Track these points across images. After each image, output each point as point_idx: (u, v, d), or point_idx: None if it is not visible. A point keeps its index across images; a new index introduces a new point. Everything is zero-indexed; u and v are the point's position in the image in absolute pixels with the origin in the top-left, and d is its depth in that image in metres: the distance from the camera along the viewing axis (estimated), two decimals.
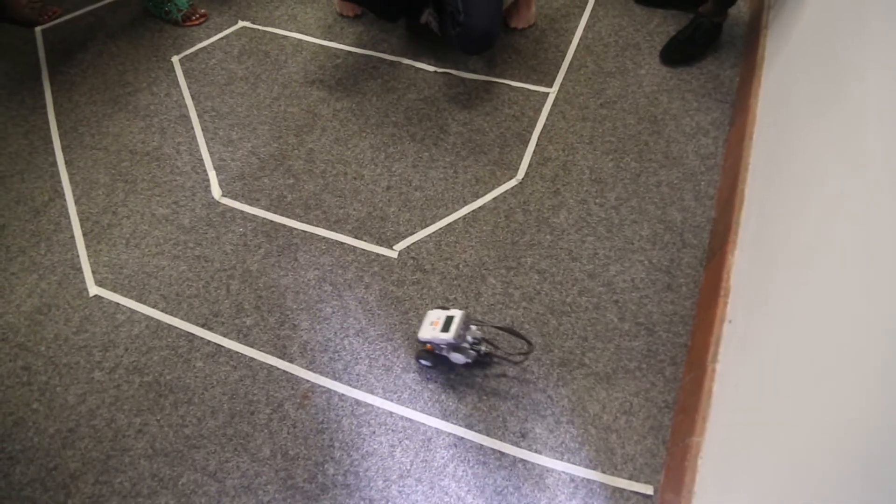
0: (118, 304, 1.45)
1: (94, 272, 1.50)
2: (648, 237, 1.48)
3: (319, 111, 1.79)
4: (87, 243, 1.56)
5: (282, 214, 1.58)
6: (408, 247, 1.50)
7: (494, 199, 1.57)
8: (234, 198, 1.62)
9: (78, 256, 1.53)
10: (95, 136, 1.77)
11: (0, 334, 1.42)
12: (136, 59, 1.97)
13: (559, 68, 1.84)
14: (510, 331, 1.26)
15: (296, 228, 1.55)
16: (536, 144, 1.67)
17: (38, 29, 2.07)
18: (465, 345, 1.24)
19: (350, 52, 1.94)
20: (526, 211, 1.54)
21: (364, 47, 1.95)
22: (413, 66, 1.88)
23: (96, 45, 2.02)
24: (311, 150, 1.70)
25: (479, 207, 1.56)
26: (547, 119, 1.72)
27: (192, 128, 1.78)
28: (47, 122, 1.81)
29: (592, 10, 1.99)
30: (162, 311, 1.43)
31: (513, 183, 1.60)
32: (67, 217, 1.61)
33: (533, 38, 1.93)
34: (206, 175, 1.67)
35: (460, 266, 1.46)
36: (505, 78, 1.83)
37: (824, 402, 0.73)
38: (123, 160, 1.72)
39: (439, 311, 1.27)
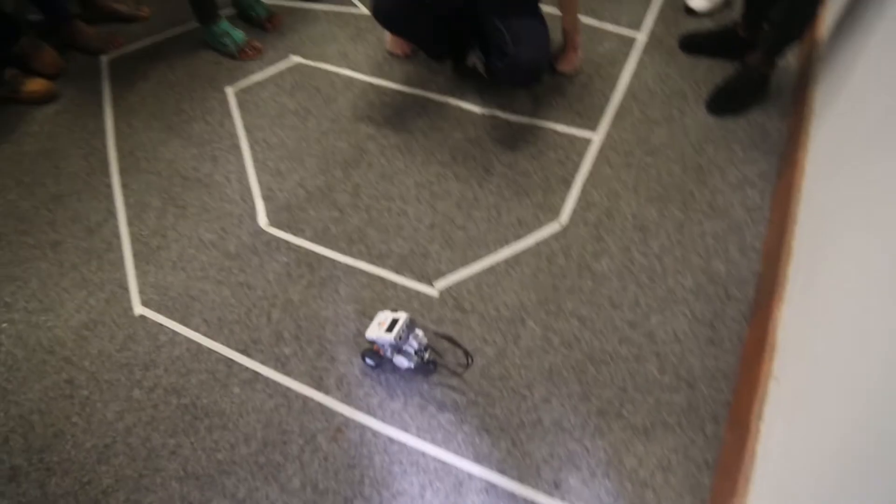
0: (161, 325, 1.48)
1: (140, 292, 1.54)
2: (691, 288, 1.46)
3: (367, 147, 1.83)
4: (135, 264, 1.60)
5: (325, 246, 1.60)
6: (448, 286, 1.50)
7: (537, 242, 1.57)
8: (280, 227, 1.65)
9: (126, 276, 1.58)
10: (150, 161, 1.84)
11: (48, 346, 1.46)
12: (193, 88, 2.05)
13: (604, 114, 1.85)
14: (450, 340, 1.30)
15: (338, 261, 1.57)
16: (581, 189, 1.67)
17: (103, 58, 2.17)
18: (409, 349, 1.28)
19: (399, 91, 1.98)
20: (568, 256, 1.54)
21: (412, 86, 1.99)
22: (460, 107, 1.92)
23: (156, 74, 2.11)
24: (357, 185, 1.73)
25: (522, 250, 1.56)
26: (591, 164, 1.72)
27: (243, 157, 1.83)
28: (106, 146, 1.89)
29: (639, 58, 2.01)
30: (203, 334, 1.46)
31: (556, 227, 1.60)
32: (119, 237, 1.66)
33: (579, 83, 1.95)
34: (254, 204, 1.71)
35: (500, 308, 1.46)
36: (550, 121, 1.85)
37: (878, 471, 0.70)
38: (175, 185, 1.77)
39: (388, 312, 1.31)
